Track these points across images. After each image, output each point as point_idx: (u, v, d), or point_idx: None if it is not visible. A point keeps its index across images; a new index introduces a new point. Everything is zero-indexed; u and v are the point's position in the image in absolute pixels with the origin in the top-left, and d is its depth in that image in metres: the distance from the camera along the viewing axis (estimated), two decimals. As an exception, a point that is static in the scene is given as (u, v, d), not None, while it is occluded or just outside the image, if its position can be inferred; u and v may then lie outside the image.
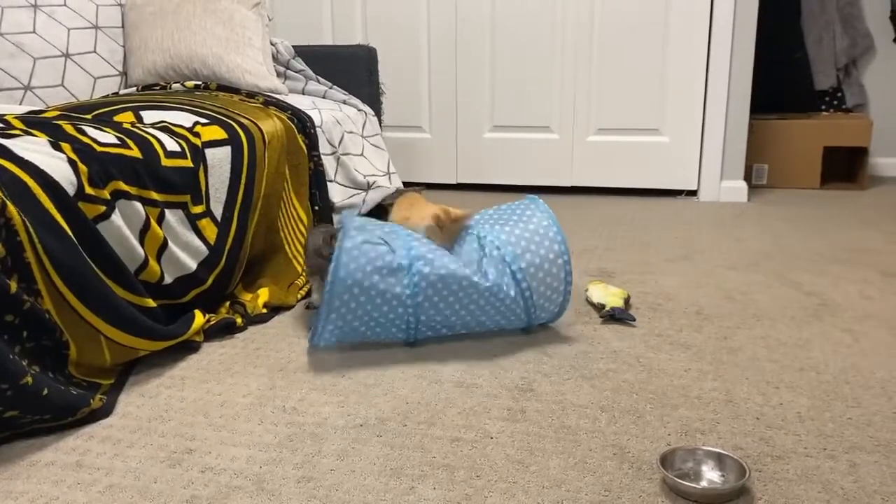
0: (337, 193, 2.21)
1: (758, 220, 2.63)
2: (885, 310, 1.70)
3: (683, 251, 2.24)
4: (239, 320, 1.62)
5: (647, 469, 1.07)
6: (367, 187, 2.32)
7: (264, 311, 1.72)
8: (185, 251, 1.57)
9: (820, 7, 3.33)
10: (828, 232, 2.44)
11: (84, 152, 1.36)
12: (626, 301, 1.71)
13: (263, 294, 1.76)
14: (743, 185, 2.96)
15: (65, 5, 2.21)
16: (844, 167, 3.33)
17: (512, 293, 1.46)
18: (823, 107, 3.45)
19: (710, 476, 1.05)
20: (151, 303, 1.44)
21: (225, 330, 1.60)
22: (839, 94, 3.42)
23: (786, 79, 3.43)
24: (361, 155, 2.39)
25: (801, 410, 1.24)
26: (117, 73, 2.33)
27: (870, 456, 1.10)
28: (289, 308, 1.77)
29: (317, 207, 2.11)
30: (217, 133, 1.72)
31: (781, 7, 3.35)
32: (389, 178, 2.46)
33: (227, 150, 1.72)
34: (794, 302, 1.77)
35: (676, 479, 1.01)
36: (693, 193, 3.06)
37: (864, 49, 3.36)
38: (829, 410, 1.24)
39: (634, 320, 1.64)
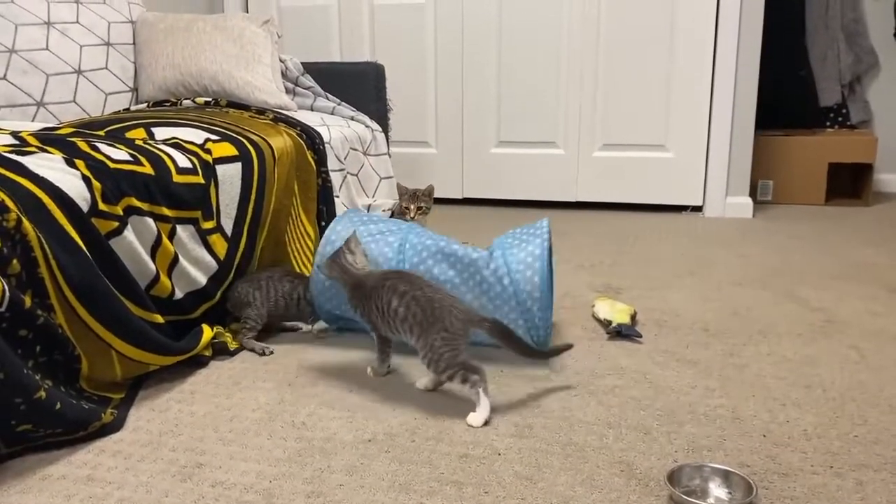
0: (342, 210, 2.23)
1: (763, 236, 2.64)
2: (892, 326, 1.71)
3: (689, 267, 2.24)
4: (230, 343, 1.61)
5: (654, 486, 1.08)
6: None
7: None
8: (196, 266, 1.59)
9: (824, 24, 3.35)
10: (833, 248, 2.45)
11: (98, 169, 1.38)
12: (633, 317, 1.72)
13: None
14: (748, 200, 2.97)
15: (77, 22, 2.24)
16: (849, 183, 3.34)
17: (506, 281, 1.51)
18: (828, 123, 3.46)
19: (718, 493, 1.06)
20: (160, 319, 1.45)
21: (220, 353, 1.59)
22: (844, 111, 3.43)
23: (791, 95, 3.44)
24: (356, 175, 2.41)
25: (808, 428, 1.24)
26: (128, 89, 2.36)
27: (877, 474, 1.10)
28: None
29: (323, 223, 2.12)
30: (228, 150, 1.74)
31: (786, 24, 3.37)
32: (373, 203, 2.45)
33: (237, 166, 1.74)
34: (800, 318, 1.77)
35: (683, 495, 1.02)
36: (698, 209, 3.07)
37: (868, 66, 3.37)
38: (836, 428, 1.24)
39: (641, 337, 1.65)
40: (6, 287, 1.12)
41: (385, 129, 2.68)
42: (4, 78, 2.01)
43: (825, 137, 3.17)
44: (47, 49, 2.13)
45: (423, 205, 2.14)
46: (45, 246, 1.20)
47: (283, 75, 2.55)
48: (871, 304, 1.87)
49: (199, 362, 1.53)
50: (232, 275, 1.69)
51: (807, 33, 3.39)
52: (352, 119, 2.54)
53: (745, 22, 2.81)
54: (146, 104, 2.33)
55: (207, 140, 1.74)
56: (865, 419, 1.27)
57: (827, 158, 3.16)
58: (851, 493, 1.06)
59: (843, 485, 1.08)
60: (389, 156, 2.66)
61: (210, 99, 2.31)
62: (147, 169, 1.48)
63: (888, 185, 3.51)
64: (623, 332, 1.65)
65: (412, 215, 2.12)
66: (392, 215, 2.33)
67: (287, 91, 2.55)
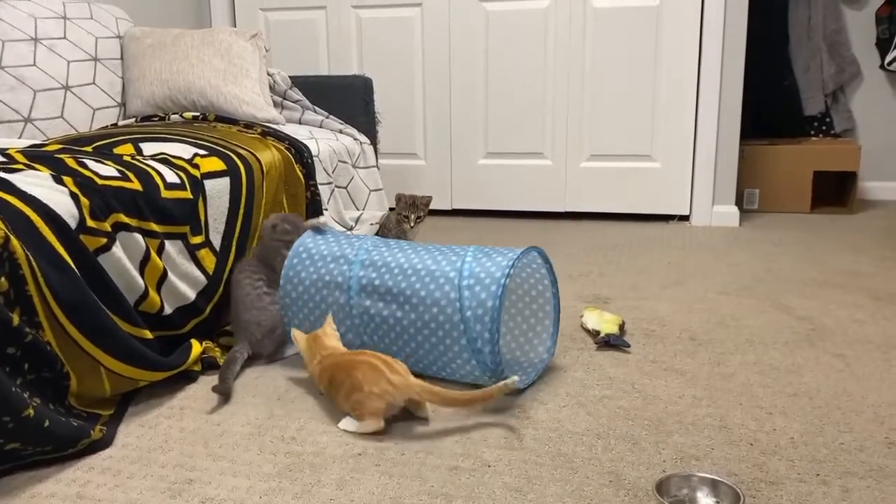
0: (331, 223, 2.23)
1: (749, 245, 2.66)
2: (876, 334, 1.73)
3: (676, 276, 2.26)
4: (220, 358, 1.60)
5: (642, 496, 1.09)
6: (350, 229, 2.35)
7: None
8: (185, 281, 1.59)
9: (807, 35, 3.39)
10: (818, 256, 2.47)
11: (86, 185, 1.38)
12: (621, 327, 1.73)
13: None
14: (734, 209, 3.00)
15: (65, 38, 2.24)
16: (834, 191, 3.37)
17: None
18: (812, 132, 3.49)
19: (706, 502, 1.07)
20: (149, 334, 1.45)
21: (210, 368, 1.59)
22: (828, 120, 3.47)
23: (775, 105, 3.48)
24: (345, 188, 2.42)
25: (794, 436, 1.26)
26: (116, 104, 2.36)
27: (862, 481, 1.12)
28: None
29: (313, 236, 2.13)
30: (216, 164, 1.75)
31: (770, 35, 3.41)
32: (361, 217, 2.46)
33: (225, 180, 1.75)
34: (786, 327, 1.79)
35: (672, 505, 1.03)
36: (685, 218, 3.10)
37: (851, 76, 3.42)
38: (822, 436, 1.26)
39: (629, 347, 1.66)
40: (-6, 305, 1.11)
41: (374, 142, 2.69)
42: (-9, 94, 2.01)
43: (810, 146, 3.21)
44: (34, 65, 2.13)
45: (421, 214, 2.18)
46: (34, 263, 1.20)
47: (271, 89, 2.56)
48: (855, 312, 1.89)
49: (188, 378, 1.53)
50: (221, 289, 1.69)
51: (790, 44, 3.43)
52: (340, 132, 2.55)
53: (728, 33, 2.84)
54: (134, 119, 2.33)
55: (195, 155, 1.75)
56: (851, 427, 1.29)
57: (812, 167, 3.19)
58: (837, 500, 1.07)
59: (829, 492, 1.09)
60: (378, 168, 2.67)
61: (198, 113, 2.32)
62: (135, 185, 1.49)
63: (872, 192, 3.55)
64: (611, 342, 1.66)
65: (411, 224, 2.16)
66: (380, 228, 2.35)
67: (275, 105, 2.56)
